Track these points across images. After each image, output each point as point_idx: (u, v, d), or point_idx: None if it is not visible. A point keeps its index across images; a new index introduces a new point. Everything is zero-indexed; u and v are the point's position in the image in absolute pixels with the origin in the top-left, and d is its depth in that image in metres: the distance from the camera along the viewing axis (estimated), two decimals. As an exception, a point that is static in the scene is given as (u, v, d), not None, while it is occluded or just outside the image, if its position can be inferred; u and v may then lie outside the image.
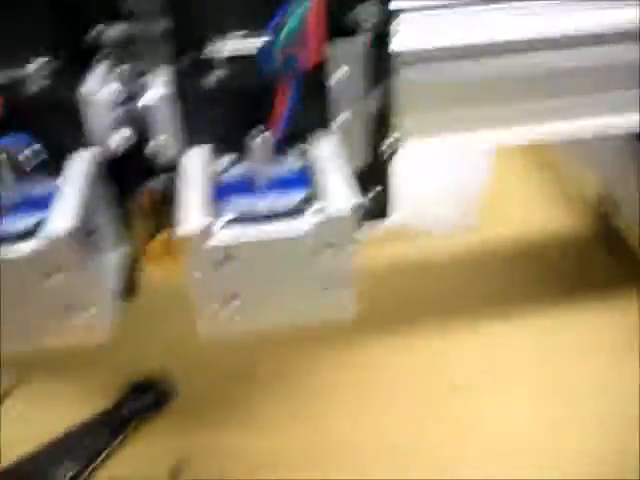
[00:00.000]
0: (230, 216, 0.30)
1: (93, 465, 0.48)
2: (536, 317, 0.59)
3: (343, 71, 0.33)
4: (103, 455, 0.49)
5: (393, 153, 0.38)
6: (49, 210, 0.30)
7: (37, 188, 0.32)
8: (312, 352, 0.57)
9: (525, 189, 0.74)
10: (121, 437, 0.50)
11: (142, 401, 0.52)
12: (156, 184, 0.38)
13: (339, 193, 0.30)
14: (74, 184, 0.31)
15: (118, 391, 0.53)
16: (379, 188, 0.39)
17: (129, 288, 0.37)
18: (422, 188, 0.40)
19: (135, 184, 0.38)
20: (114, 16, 0.36)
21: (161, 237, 0.38)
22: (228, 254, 0.30)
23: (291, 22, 0.30)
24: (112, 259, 0.35)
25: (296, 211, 0.30)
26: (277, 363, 0.56)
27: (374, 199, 0.39)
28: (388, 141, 0.38)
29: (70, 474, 0.48)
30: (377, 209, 0.40)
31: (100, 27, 0.34)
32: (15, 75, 0.33)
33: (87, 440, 0.50)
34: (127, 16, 0.36)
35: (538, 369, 0.55)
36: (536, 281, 0.62)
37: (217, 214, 0.30)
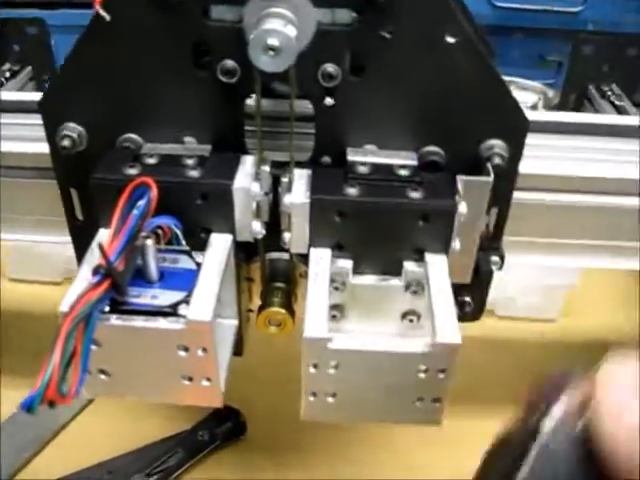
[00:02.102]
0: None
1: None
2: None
3: (464, 207, 0.36)
4: (173, 476, 0.53)
5: (494, 270, 0.41)
6: (191, 289, 0.34)
7: (177, 264, 0.36)
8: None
9: (610, 289, 0.76)
10: (194, 461, 0.54)
11: (219, 429, 0.56)
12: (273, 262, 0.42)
13: (448, 321, 0.33)
14: (214, 268, 0.35)
15: (197, 415, 0.57)
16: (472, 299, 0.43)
17: (236, 350, 0.41)
18: (512, 275, 0.43)
19: (251, 257, 0.43)
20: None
21: (267, 312, 0.41)
22: (340, 360, 0.33)
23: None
24: (229, 329, 0.39)
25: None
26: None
27: (470, 307, 0.42)
28: (493, 259, 0.41)
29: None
30: (470, 315, 0.43)
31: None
32: (171, 161, 0.37)
33: (161, 458, 0.54)
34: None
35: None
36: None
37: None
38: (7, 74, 0.77)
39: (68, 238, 0.45)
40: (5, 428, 0.55)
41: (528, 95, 0.83)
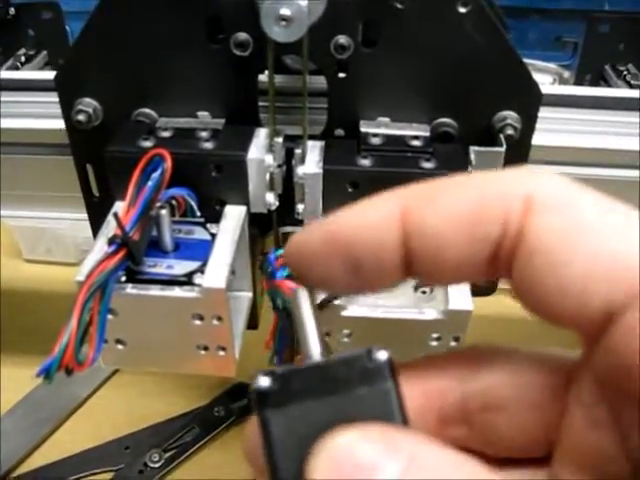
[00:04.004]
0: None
1: (178, 460, 0.53)
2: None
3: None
4: (190, 451, 0.54)
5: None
6: (206, 259, 0.34)
7: (192, 235, 0.37)
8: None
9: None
10: (210, 436, 0.55)
11: (235, 405, 0.56)
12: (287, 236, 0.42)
13: (460, 290, 0.34)
14: (228, 238, 0.36)
15: (213, 392, 0.58)
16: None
17: (251, 324, 0.42)
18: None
19: (266, 232, 0.43)
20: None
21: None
22: (353, 327, 0.34)
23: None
24: (244, 301, 0.40)
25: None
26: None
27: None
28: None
29: (154, 464, 0.53)
30: (484, 290, 0.43)
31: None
32: (185, 134, 0.38)
33: (178, 434, 0.54)
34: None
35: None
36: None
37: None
38: (23, 59, 0.77)
39: (83, 215, 0.45)
40: (24, 404, 0.56)
41: (544, 77, 0.82)
